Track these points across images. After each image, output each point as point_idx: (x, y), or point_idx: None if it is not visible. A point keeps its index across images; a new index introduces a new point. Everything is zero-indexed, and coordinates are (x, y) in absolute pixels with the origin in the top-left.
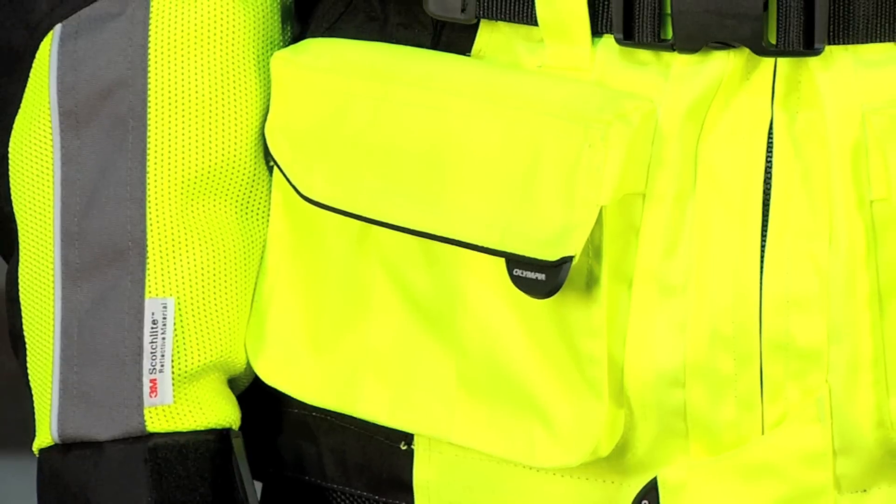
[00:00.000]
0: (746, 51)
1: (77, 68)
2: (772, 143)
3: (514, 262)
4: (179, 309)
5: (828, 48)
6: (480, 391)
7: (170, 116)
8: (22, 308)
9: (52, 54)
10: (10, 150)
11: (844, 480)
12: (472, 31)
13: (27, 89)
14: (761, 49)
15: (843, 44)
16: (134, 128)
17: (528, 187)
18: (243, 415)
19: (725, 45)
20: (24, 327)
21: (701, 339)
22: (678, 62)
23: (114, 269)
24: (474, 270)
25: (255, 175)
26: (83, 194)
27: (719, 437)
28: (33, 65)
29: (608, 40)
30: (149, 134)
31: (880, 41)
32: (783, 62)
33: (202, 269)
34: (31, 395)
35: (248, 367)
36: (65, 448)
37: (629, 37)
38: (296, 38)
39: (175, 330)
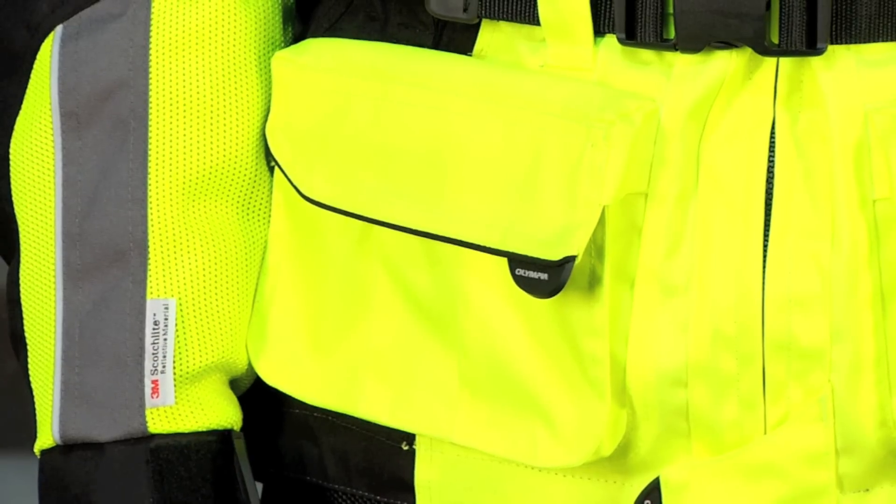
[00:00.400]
0: (749, 50)
1: (78, 69)
2: (774, 142)
3: (517, 262)
4: (181, 310)
5: (830, 48)
6: (482, 391)
7: (171, 117)
8: (23, 309)
9: (54, 55)
10: (11, 151)
11: (847, 480)
12: (473, 30)
13: (28, 90)
14: (764, 49)
15: (846, 43)
16: (135, 128)
17: (530, 187)
18: (245, 415)
19: (728, 44)
20: (26, 328)
21: (703, 338)
22: (680, 62)
23: (115, 270)
24: (476, 270)
25: (256, 175)
26: (84, 195)
27: (722, 436)
28: (34, 66)
29: (610, 40)
30: (150, 135)
31: (883, 41)
32: (785, 62)
33: (203, 269)
34: (32, 396)
35: (250, 367)
36: (66, 449)
37: (631, 36)
38: (297, 38)
39: (177, 331)
